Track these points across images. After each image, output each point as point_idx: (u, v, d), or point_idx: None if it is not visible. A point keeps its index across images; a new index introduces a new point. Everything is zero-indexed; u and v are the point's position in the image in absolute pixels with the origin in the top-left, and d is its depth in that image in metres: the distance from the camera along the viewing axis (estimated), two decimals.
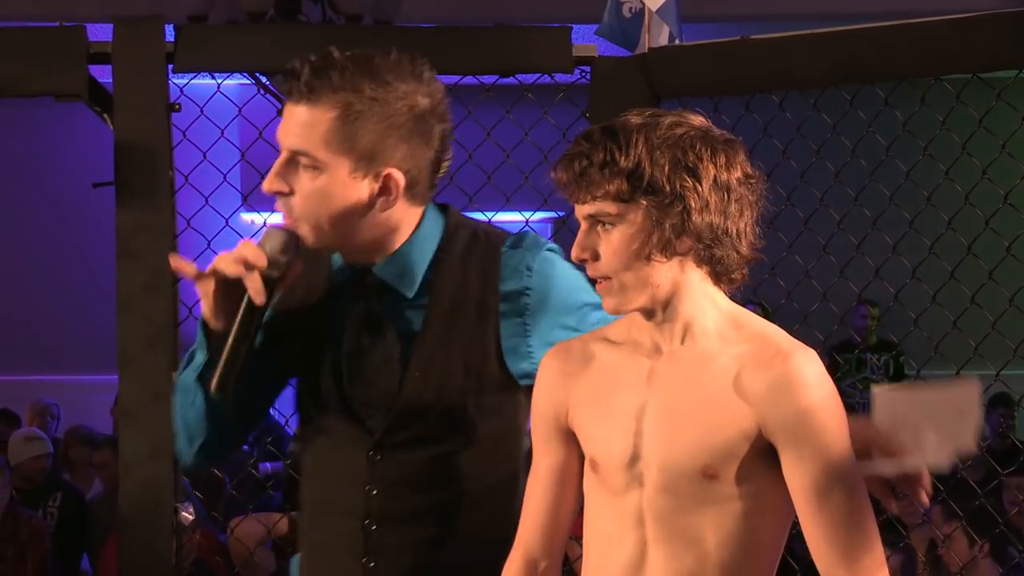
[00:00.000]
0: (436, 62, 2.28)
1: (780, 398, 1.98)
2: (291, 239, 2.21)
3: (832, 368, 6.47)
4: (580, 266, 2.09)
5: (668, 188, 1.97)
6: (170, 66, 3.82)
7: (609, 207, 1.99)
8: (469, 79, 3.86)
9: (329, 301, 2.33)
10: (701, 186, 1.98)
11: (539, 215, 4.16)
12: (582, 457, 2.14)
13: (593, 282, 2.06)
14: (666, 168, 1.97)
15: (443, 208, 2.35)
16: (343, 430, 2.31)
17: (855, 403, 8.72)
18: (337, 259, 2.33)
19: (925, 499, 2.12)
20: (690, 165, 1.98)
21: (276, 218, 2.30)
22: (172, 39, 3.83)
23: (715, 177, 1.99)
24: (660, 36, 3.95)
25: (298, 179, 2.22)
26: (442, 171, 2.29)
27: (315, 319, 2.33)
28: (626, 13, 4.03)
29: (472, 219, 2.38)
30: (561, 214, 3.93)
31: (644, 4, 3.96)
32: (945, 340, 3.80)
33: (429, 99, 2.24)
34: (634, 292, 2.02)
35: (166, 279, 3.76)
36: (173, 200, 3.83)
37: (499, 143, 3.94)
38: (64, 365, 10.00)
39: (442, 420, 2.27)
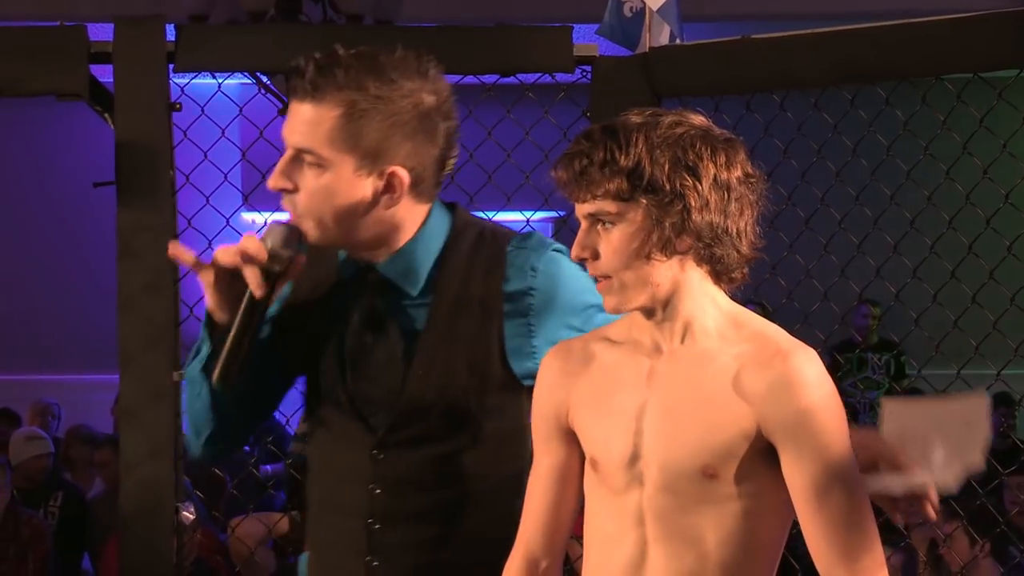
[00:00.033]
0: (437, 62, 2.28)
1: (780, 397, 1.98)
2: (294, 234, 2.22)
3: (833, 368, 6.48)
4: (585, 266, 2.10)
5: (668, 187, 1.97)
6: (171, 66, 3.82)
7: (609, 206, 1.99)
8: (470, 79, 3.86)
9: (334, 298, 2.33)
10: (701, 185, 1.98)
11: (540, 215, 4.16)
12: (583, 456, 2.14)
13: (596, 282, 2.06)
14: (666, 167, 1.97)
15: (451, 207, 2.35)
16: (347, 428, 2.32)
17: (856, 403, 8.74)
18: (342, 255, 2.34)
19: (932, 515, 2.12)
20: (690, 164, 1.98)
21: (277, 217, 2.31)
22: (173, 39, 3.83)
23: (715, 176, 1.99)
24: (661, 35, 3.95)
25: (303, 176, 2.23)
26: (447, 169, 2.29)
27: (320, 316, 2.34)
28: (627, 12, 4.03)
29: (479, 219, 2.38)
30: (562, 214, 3.93)
31: (645, 4, 3.95)
32: (946, 340, 3.80)
33: (434, 97, 2.24)
34: (634, 291, 2.02)
35: (167, 279, 3.76)
36: (174, 200, 3.83)
37: (500, 143, 3.94)
38: (65, 365, 10.00)
39: (445, 419, 2.27)
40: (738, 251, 2.02)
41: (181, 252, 2.25)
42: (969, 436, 2.09)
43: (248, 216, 6.18)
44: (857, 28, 3.62)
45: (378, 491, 2.29)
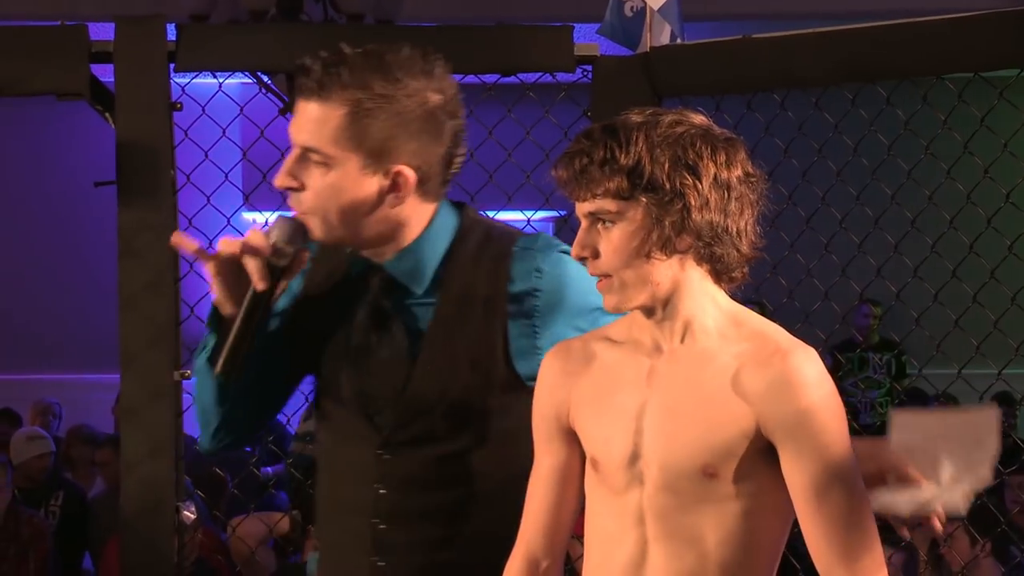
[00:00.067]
0: (443, 60, 2.28)
1: (779, 397, 1.98)
2: (299, 230, 2.23)
3: (834, 367, 6.47)
4: None
5: (668, 186, 1.97)
6: (172, 65, 3.82)
7: (609, 205, 1.99)
8: (471, 78, 3.86)
9: (341, 296, 2.34)
10: (701, 184, 1.98)
11: (541, 214, 4.16)
12: (583, 456, 2.14)
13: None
14: (666, 166, 1.97)
15: (459, 206, 2.35)
16: (353, 427, 2.33)
17: (857, 402, 8.74)
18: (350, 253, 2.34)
19: (940, 529, 2.12)
20: (690, 163, 1.98)
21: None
22: (174, 38, 3.83)
23: (715, 175, 1.99)
24: (662, 35, 3.95)
25: (309, 175, 2.23)
26: (454, 168, 2.30)
27: (327, 313, 2.35)
28: (628, 12, 4.03)
29: (487, 218, 2.38)
30: (563, 213, 3.93)
31: (646, 3, 3.95)
32: (947, 339, 3.80)
33: (440, 96, 2.24)
34: (634, 290, 2.02)
35: (168, 278, 3.76)
36: (175, 199, 3.83)
37: (501, 142, 3.94)
38: (65, 364, 10.00)
39: (449, 419, 2.27)
40: (738, 250, 2.02)
41: (184, 241, 2.26)
42: (978, 450, 2.08)
43: (249, 215, 6.18)
44: (858, 27, 3.62)
45: (383, 491, 2.29)
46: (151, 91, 3.78)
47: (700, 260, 2.02)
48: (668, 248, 1.99)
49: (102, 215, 5.03)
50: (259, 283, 2.20)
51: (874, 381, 8.92)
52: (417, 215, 2.27)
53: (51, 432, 7.64)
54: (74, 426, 7.88)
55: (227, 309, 2.24)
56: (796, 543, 2.12)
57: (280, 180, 2.25)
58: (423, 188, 2.26)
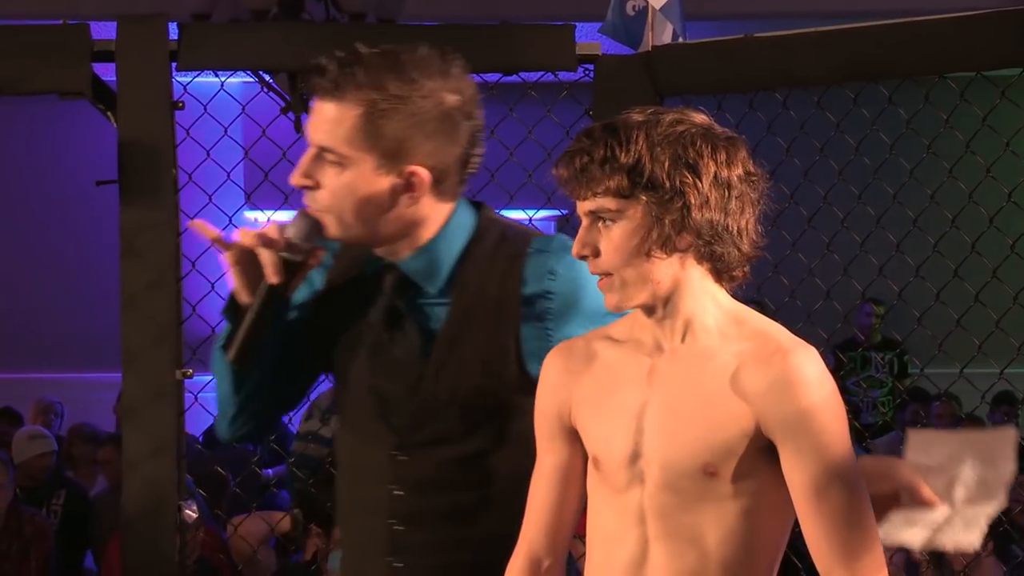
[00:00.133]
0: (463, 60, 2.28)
1: (780, 396, 1.98)
2: (316, 227, 2.25)
3: (836, 366, 6.47)
4: None
5: (668, 184, 1.97)
6: (174, 64, 3.82)
7: (609, 203, 1.99)
8: (472, 77, 3.86)
9: (358, 294, 2.35)
10: (701, 182, 1.98)
11: (542, 213, 4.16)
12: (585, 456, 2.14)
13: None
14: (666, 164, 1.97)
15: (477, 206, 2.35)
16: (369, 427, 2.33)
17: (859, 401, 8.73)
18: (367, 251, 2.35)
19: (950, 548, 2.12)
20: (690, 161, 1.98)
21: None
22: (176, 37, 3.83)
23: (715, 174, 1.99)
24: (664, 34, 3.95)
25: (324, 173, 2.24)
26: (471, 168, 2.30)
27: (344, 311, 2.35)
28: (630, 11, 4.03)
29: (505, 218, 2.38)
30: (564, 212, 3.93)
31: (648, 2, 3.95)
32: (949, 338, 3.80)
33: (457, 96, 2.24)
34: (634, 288, 2.02)
35: (170, 277, 3.77)
36: (176, 198, 3.83)
37: (503, 141, 3.93)
38: (67, 363, 10.00)
39: (463, 420, 2.27)
40: (739, 249, 2.02)
41: (205, 228, 2.28)
42: (993, 472, 2.07)
43: (251, 215, 6.18)
44: (860, 27, 3.62)
45: (399, 492, 2.30)
46: (153, 90, 3.78)
47: (701, 259, 2.02)
48: (668, 247, 1.99)
49: (104, 214, 5.03)
50: (272, 276, 2.21)
51: (876, 380, 8.92)
52: (433, 214, 2.27)
53: (52, 431, 7.64)
54: (75, 425, 7.88)
55: (243, 298, 2.26)
56: (797, 542, 2.12)
57: (296, 179, 2.26)
58: (438, 188, 2.26)
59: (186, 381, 3.84)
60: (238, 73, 4.17)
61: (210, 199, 3.95)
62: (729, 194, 2.00)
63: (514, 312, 2.26)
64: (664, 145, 1.98)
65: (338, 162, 2.23)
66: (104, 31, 3.78)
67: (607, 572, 2.09)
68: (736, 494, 2.01)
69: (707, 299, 2.04)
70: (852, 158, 3.91)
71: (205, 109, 3.91)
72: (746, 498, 2.02)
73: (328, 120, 2.23)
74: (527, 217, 4.15)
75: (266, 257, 2.22)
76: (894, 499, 2.10)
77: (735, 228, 2.01)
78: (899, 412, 8.31)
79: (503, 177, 3.93)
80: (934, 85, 3.65)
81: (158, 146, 3.77)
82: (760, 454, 2.00)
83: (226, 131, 3.97)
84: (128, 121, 3.77)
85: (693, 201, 1.98)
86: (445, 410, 2.27)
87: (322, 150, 2.24)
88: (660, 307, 2.04)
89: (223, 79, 4.04)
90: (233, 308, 2.28)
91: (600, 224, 2.02)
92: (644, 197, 1.98)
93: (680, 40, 3.93)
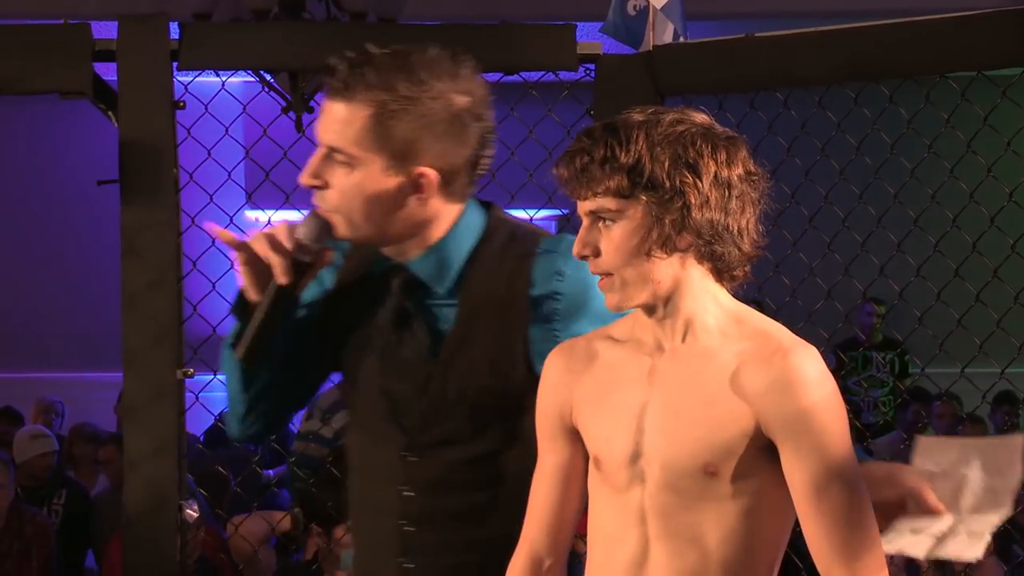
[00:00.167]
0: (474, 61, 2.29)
1: (780, 396, 1.97)
2: (327, 228, 2.25)
3: (837, 366, 6.47)
4: None
5: (668, 184, 1.97)
6: (175, 64, 3.82)
7: (609, 203, 1.99)
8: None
9: (367, 294, 2.35)
10: (701, 182, 1.98)
11: (543, 212, 4.16)
12: (587, 455, 2.14)
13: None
14: (666, 164, 1.97)
15: (487, 205, 2.35)
16: (378, 428, 2.33)
17: (860, 401, 8.73)
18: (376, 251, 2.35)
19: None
20: (690, 161, 1.98)
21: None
22: (177, 37, 3.83)
23: (716, 173, 1.99)
24: (664, 34, 3.95)
25: (333, 174, 2.24)
26: (481, 169, 2.30)
27: (353, 311, 2.35)
28: (631, 11, 4.03)
29: (514, 218, 2.38)
30: (565, 212, 3.93)
31: (649, 2, 3.95)
32: (950, 338, 3.80)
33: (467, 98, 2.24)
34: (635, 288, 2.02)
35: (171, 276, 3.77)
36: (177, 198, 3.83)
37: (503, 141, 3.93)
38: (68, 363, 10.00)
39: (472, 421, 2.27)
40: (739, 249, 2.02)
41: (221, 232, 2.30)
42: (1001, 479, 2.07)
43: (251, 214, 6.19)
44: (861, 26, 3.62)
45: (410, 493, 2.30)
46: (154, 90, 3.78)
47: (701, 258, 2.02)
48: (668, 246, 1.99)
49: (105, 214, 5.04)
50: (281, 278, 2.22)
51: (877, 380, 8.92)
52: (442, 215, 2.28)
53: (53, 431, 7.64)
54: (77, 424, 7.88)
55: (252, 296, 2.26)
56: (798, 542, 2.12)
57: (305, 179, 2.26)
58: (447, 189, 2.26)
59: (187, 381, 3.84)
60: (239, 73, 4.17)
61: (211, 199, 3.95)
62: (729, 194, 2.00)
63: (522, 313, 2.26)
64: (664, 145, 1.98)
65: (347, 162, 2.23)
66: (105, 31, 3.78)
67: (608, 572, 2.09)
68: (736, 494, 2.01)
69: (708, 299, 2.04)
70: (853, 158, 3.91)
71: (206, 109, 3.91)
72: (746, 498, 2.02)
73: (338, 120, 2.23)
74: (528, 217, 4.15)
75: (275, 260, 2.22)
76: (900, 506, 2.10)
77: (735, 228, 2.01)
78: (900, 412, 8.31)
79: (504, 176, 3.93)
80: (935, 85, 3.65)
81: (159, 146, 3.77)
82: (760, 454, 2.00)
83: (227, 131, 3.97)
84: (129, 121, 3.77)
85: (693, 201, 1.98)
86: (454, 410, 2.27)
87: (331, 150, 2.24)
88: (661, 307, 2.04)
89: (224, 79, 4.04)
90: (242, 306, 2.28)
91: (600, 224, 2.02)
92: (644, 197, 1.98)
93: (681, 40, 3.93)
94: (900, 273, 4.04)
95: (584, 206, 2.02)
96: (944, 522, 2.07)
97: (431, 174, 2.23)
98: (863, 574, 1.99)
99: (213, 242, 3.86)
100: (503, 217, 2.35)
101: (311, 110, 4.47)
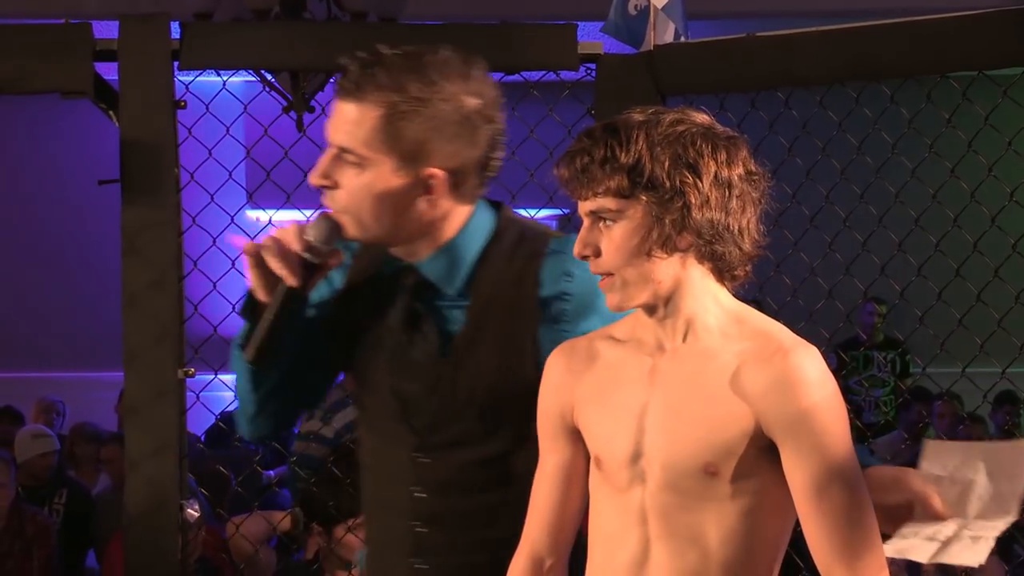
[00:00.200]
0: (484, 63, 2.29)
1: (780, 396, 1.98)
2: (336, 229, 2.25)
3: (838, 366, 6.47)
4: None
5: (668, 184, 1.97)
6: (176, 63, 3.82)
7: (610, 203, 2.00)
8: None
9: (377, 295, 2.35)
10: (701, 182, 1.98)
11: (544, 212, 4.15)
12: (588, 455, 2.14)
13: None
14: (666, 164, 1.97)
15: (496, 206, 2.35)
16: (389, 429, 2.34)
17: (861, 400, 8.73)
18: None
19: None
20: (690, 161, 1.98)
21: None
22: (178, 36, 3.83)
23: (716, 173, 1.99)
24: (666, 33, 3.94)
25: (343, 174, 2.24)
26: (491, 171, 2.30)
27: (363, 311, 2.36)
28: (632, 10, 4.03)
29: (523, 218, 2.38)
30: (566, 211, 3.93)
31: (650, 1, 3.95)
32: (951, 338, 3.80)
33: (478, 100, 2.24)
34: (635, 288, 2.02)
35: (172, 276, 3.77)
36: (178, 197, 3.83)
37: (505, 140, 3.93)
38: (69, 362, 10.01)
39: (483, 421, 2.28)
40: (740, 248, 2.02)
41: (239, 242, 2.29)
42: (1008, 484, 2.07)
43: (252, 214, 6.19)
44: (862, 26, 3.62)
45: (421, 494, 2.30)
46: (155, 89, 3.78)
47: (702, 258, 2.02)
48: (669, 246, 2.00)
49: (106, 213, 5.04)
50: (289, 280, 2.22)
51: (878, 379, 8.92)
52: (452, 216, 2.28)
53: (54, 430, 7.64)
54: (78, 424, 7.88)
55: (261, 297, 2.26)
56: (799, 541, 2.12)
57: (315, 179, 2.26)
58: (457, 191, 2.26)
59: (188, 380, 3.84)
60: (240, 72, 4.16)
61: (212, 198, 3.95)
62: (730, 193, 2.00)
63: (531, 314, 2.26)
64: (664, 145, 1.98)
65: (357, 163, 2.23)
66: (106, 30, 3.78)
67: (608, 572, 2.09)
68: (737, 494, 2.01)
69: (708, 299, 2.04)
70: (854, 157, 3.90)
71: (207, 108, 3.91)
72: (747, 498, 2.02)
73: (348, 121, 2.23)
74: (529, 216, 4.14)
75: (283, 263, 2.22)
76: (908, 510, 2.09)
77: (736, 227, 2.01)
78: (901, 411, 8.31)
79: (505, 176, 3.90)
80: (936, 84, 3.65)
81: (160, 145, 3.77)
82: (761, 454, 2.00)
83: (228, 130, 3.97)
84: (130, 120, 3.77)
85: (693, 201, 1.98)
86: (464, 411, 2.28)
87: (341, 150, 2.24)
88: (661, 307, 2.04)
89: (225, 78, 4.04)
90: (251, 307, 2.28)
91: (601, 224, 2.02)
92: (644, 197, 1.98)
93: (682, 39, 3.93)
94: (901, 273, 4.04)
95: (584, 206, 2.02)
96: (949, 527, 2.06)
97: (441, 175, 2.23)
98: (864, 574, 1.99)
99: (214, 241, 3.87)
100: (512, 217, 2.35)
101: (312, 110, 4.47)
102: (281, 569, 5.34)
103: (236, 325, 2.36)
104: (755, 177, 2.03)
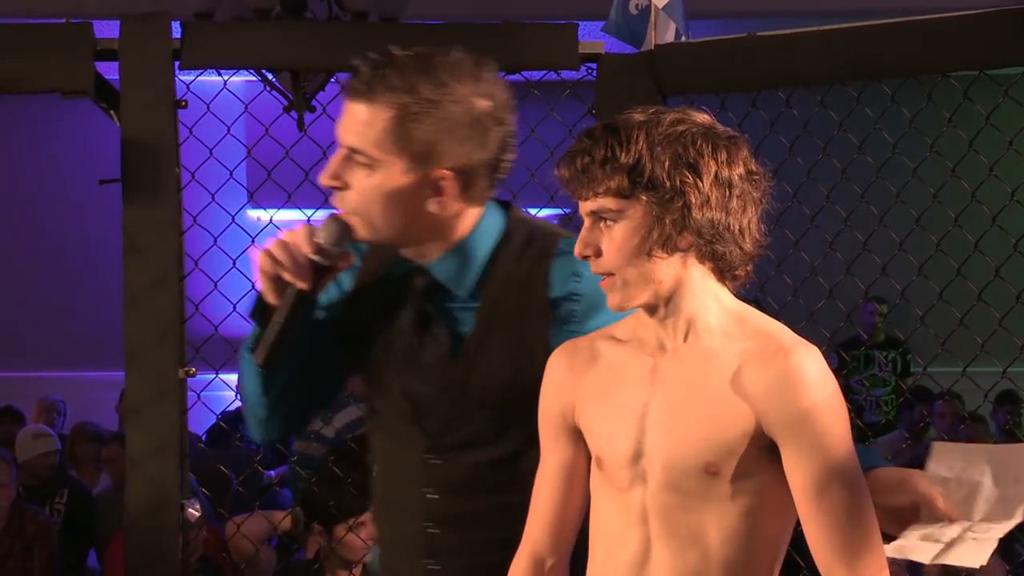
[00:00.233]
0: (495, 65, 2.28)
1: (780, 396, 1.98)
2: (346, 231, 2.25)
3: (839, 365, 6.47)
4: None
5: (668, 184, 1.97)
6: (177, 63, 3.82)
7: (610, 203, 2.00)
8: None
9: (387, 296, 2.35)
10: (702, 182, 1.98)
11: (545, 212, 4.15)
12: (589, 455, 2.14)
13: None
14: (666, 164, 1.97)
15: (505, 206, 2.35)
16: (401, 430, 2.34)
17: (862, 400, 8.73)
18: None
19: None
20: (691, 161, 1.98)
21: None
22: (179, 36, 3.83)
23: (716, 173, 1.99)
24: (666, 33, 3.95)
25: (353, 175, 2.24)
26: (501, 173, 2.29)
27: (373, 313, 2.36)
28: (632, 10, 4.03)
29: (532, 218, 2.38)
30: (567, 211, 3.93)
31: (651, 1, 3.95)
32: (952, 337, 3.80)
33: (488, 102, 2.24)
34: (636, 288, 2.02)
35: (173, 275, 3.77)
36: (179, 197, 3.83)
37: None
38: (70, 362, 10.01)
39: (493, 422, 2.28)
40: (741, 248, 2.02)
41: (251, 251, 2.29)
42: (1014, 487, 2.06)
43: (253, 213, 6.19)
44: (863, 25, 3.62)
45: (432, 495, 2.31)
46: (156, 89, 3.78)
47: (702, 258, 2.02)
48: (669, 246, 2.00)
49: (106, 213, 5.04)
50: (298, 283, 2.22)
51: (879, 379, 8.92)
52: (462, 217, 2.28)
53: (55, 430, 7.64)
54: (79, 423, 7.88)
55: (271, 300, 2.26)
56: (799, 541, 2.11)
57: (324, 179, 2.26)
58: (467, 192, 2.26)
59: (189, 380, 3.84)
60: (241, 72, 4.16)
61: (213, 198, 3.95)
62: (730, 193, 2.00)
63: (541, 314, 2.26)
64: (664, 145, 1.98)
65: (367, 164, 2.22)
66: (107, 30, 3.78)
67: (609, 571, 2.09)
68: (738, 494, 2.01)
69: (709, 298, 2.04)
70: (855, 157, 3.90)
71: (208, 108, 3.91)
72: (748, 497, 2.02)
73: (359, 122, 2.22)
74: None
75: (291, 266, 2.21)
76: (913, 511, 2.09)
77: (737, 227, 2.01)
78: (902, 411, 8.31)
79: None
80: (937, 84, 3.65)
81: (161, 145, 3.77)
82: (762, 453, 2.00)
83: (229, 130, 3.97)
84: (131, 120, 3.77)
85: (694, 200, 1.98)
86: (476, 412, 2.28)
87: (352, 151, 2.24)
88: (662, 306, 2.04)
89: (226, 78, 4.04)
90: (260, 310, 2.28)
91: (602, 224, 2.02)
92: (644, 197, 1.98)
93: (683, 39, 3.93)
94: (902, 272, 4.04)
95: (585, 206, 2.03)
96: (954, 529, 2.06)
97: (451, 177, 2.23)
98: (864, 573, 1.99)
99: (215, 241, 3.87)
100: (522, 217, 2.35)
101: (313, 109, 4.47)
102: (282, 569, 5.34)
103: (237, 325, 2.37)
104: (756, 177, 2.03)
